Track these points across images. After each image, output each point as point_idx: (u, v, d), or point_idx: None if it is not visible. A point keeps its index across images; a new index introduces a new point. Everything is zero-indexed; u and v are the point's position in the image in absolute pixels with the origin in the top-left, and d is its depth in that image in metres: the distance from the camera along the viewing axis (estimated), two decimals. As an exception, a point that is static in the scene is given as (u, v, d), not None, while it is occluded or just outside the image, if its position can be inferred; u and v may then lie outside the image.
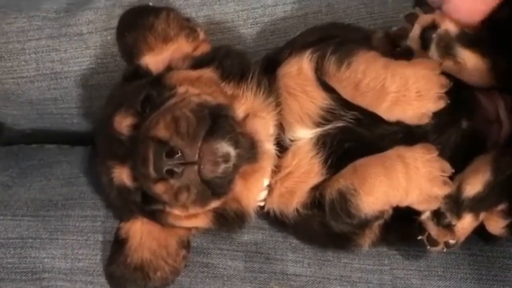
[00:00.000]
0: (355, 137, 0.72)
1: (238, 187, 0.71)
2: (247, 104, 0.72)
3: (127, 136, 0.71)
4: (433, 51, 0.71)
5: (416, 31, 0.72)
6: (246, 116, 0.72)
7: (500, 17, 0.70)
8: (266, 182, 0.75)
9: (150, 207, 0.72)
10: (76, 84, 0.90)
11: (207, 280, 0.81)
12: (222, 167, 0.66)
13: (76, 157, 0.92)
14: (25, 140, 0.98)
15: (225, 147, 0.66)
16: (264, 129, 0.72)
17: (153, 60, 0.78)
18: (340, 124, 0.72)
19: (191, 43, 0.79)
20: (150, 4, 0.84)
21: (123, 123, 0.71)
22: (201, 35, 0.81)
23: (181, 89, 0.70)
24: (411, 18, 0.73)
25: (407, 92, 0.68)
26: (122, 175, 0.71)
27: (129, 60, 0.81)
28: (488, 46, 0.70)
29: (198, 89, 0.71)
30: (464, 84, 0.74)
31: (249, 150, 0.69)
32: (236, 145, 0.67)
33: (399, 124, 0.70)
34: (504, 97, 0.76)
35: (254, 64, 0.76)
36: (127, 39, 0.79)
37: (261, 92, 0.73)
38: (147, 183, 0.67)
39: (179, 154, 0.64)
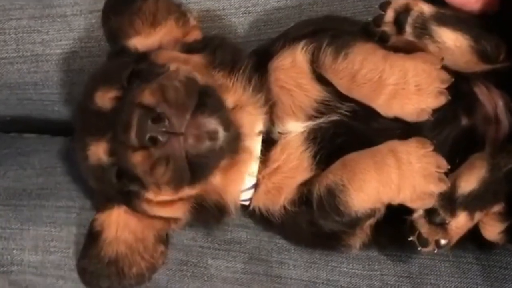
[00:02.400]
0: (349, 131, 0.71)
1: (218, 178, 0.69)
2: (236, 96, 0.70)
3: (109, 109, 0.68)
4: (409, 32, 0.70)
5: (389, 16, 0.71)
6: (234, 108, 0.70)
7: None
8: (252, 180, 0.72)
9: (124, 188, 0.69)
10: (57, 68, 0.89)
11: (185, 279, 0.78)
12: (207, 144, 0.64)
13: (55, 146, 0.90)
14: (4, 128, 0.96)
15: (213, 124, 0.64)
16: (249, 124, 0.70)
17: (141, 43, 0.76)
18: (334, 117, 0.71)
19: (181, 28, 0.78)
20: (139, -13, 0.82)
21: (106, 96, 0.68)
22: (192, 21, 0.79)
23: (172, 66, 0.68)
24: (385, 6, 0.72)
25: (406, 85, 0.67)
26: (99, 149, 0.68)
27: (115, 44, 0.78)
28: (469, 23, 0.71)
29: (189, 68, 0.69)
30: (462, 80, 0.72)
31: (233, 141, 0.67)
32: (225, 126, 0.65)
33: (396, 119, 0.69)
34: (503, 96, 0.75)
35: (246, 57, 0.75)
36: (112, 22, 0.77)
37: (251, 87, 0.71)
38: (124, 153, 0.64)
39: (166, 122, 0.61)
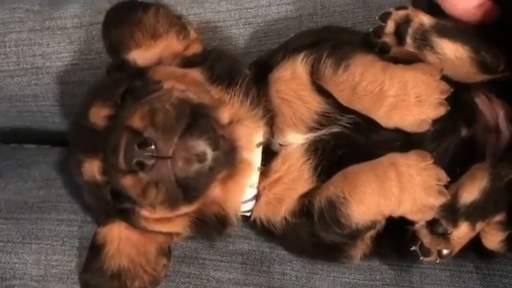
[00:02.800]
0: (350, 143, 0.70)
1: (218, 191, 0.69)
2: (233, 110, 0.70)
3: (102, 127, 0.68)
4: (409, 43, 0.71)
5: (390, 27, 0.72)
6: (231, 122, 0.69)
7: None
8: (253, 191, 0.72)
9: (120, 205, 0.69)
10: (58, 80, 0.88)
11: None
12: (196, 166, 0.63)
13: (55, 158, 0.90)
14: (4, 139, 0.96)
15: (202, 146, 0.63)
16: (247, 137, 0.70)
17: (141, 56, 0.76)
18: (335, 129, 0.71)
19: (181, 41, 0.77)
20: (139, -1, 0.82)
21: (99, 114, 0.68)
22: (192, 34, 0.79)
23: (167, 84, 0.68)
24: (386, 17, 0.72)
25: (406, 97, 0.67)
26: (93, 167, 0.68)
27: (115, 56, 0.78)
28: (469, 34, 0.71)
29: (184, 86, 0.68)
30: (463, 90, 0.73)
31: (228, 155, 0.67)
32: (214, 146, 0.64)
33: (397, 130, 0.69)
34: (504, 106, 0.75)
35: (245, 70, 0.74)
36: (113, 34, 0.77)
37: (249, 100, 0.71)
38: (115, 175, 0.64)
39: (152, 146, 0.61)
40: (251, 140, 0.70)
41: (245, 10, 0.86)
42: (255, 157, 0.71)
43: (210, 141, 0.64)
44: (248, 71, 0.75)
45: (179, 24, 0.78)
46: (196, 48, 0.78)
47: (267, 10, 0.86)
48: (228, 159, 0.67)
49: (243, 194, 0.72)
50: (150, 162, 0.61)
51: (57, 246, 0.79)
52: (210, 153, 0.64)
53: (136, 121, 0.63)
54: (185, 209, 0.68)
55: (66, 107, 0.90)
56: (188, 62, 0.74)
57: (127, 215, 0.70)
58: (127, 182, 0.64)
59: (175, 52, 0.76)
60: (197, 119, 0.64)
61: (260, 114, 0.71)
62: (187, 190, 0.65)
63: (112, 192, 0.68)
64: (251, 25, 0.87)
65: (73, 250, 0.79)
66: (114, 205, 0.69)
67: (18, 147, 0.94)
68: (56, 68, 0.88)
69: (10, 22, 0.87)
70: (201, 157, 0.63)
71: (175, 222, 0.71)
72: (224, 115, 0.69)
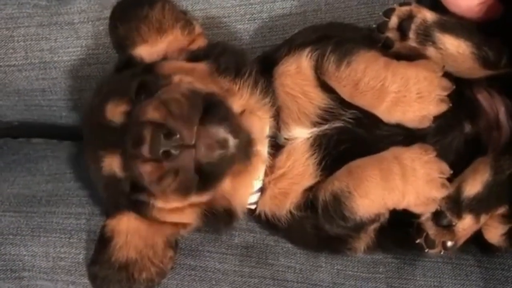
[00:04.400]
0: (353, 138, 0.71)
1: (227, 185, 0.69)
2: (243, 100, 0.71)
3: (120, 123, 0.68)
4: (412, 39, 0.71)
5: (393, 22, 0.72)
6: (242, 112, 0.70)
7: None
8: (258, 184, 0.73)
9: (135, 197, 0.70)
10: (65, 74, 0.89)
11: (194, 284, 0.79)
12: (218, 152, 0.64)
13: (63, 152, 0.90)
14: (12, 133, 0.96)
15: (222, 133, 0.65)
16: (259, 128, 0.71)
17: (147, 52, 0.76)
18: (338, 124, 0.71)
19: (187, 36, 0.78)
20: (145, -6, 0.82)
21: (116, 110, 0.69)
22: (197, 28, 0.79)
23: (176, 78, 0.69)
24: (389, 12, 0.73)
25: (408, 93, 0.67)
26: (112, 163, 0.69)
27: (122, 52, 0.79)
28: (471, 30, 0.71)
29: (191, 78, 0.69)
30: (465, 86, 0.73)
31: (245, 147, 0.68)
32: (235, 134, 0.65)
33: (399, 126, 0.69)
34: (505, 102, 0.76)
35: (251, 62, 0.75)
36: (120, 30, 0.77)
37: (258, 91, 0.72)
38: (135, 163, 0.65)
39: (177, 136, 0.62)
40: (263, 131, 0.71)
41: (250, 6, 0.87)
42: (264, 149, 0.72)
43: (230, 128, 0.65)
44: (253, 63, 0.75)
45: (184, 19, 0.78)
46: (201, 43, 0.78)
47: (272, 6, 0.87)
48: (246, 151, 0.68)
49: (251, 189, 0.72)
50: (177, 151, 0.62)
51: (65, 239, 0.79)
52: (232, 140, 0.65)
53: (155, 114, 0.64)
54: (195, 199, 0.68)
55: (74, 101, 0.91)
56: (193, 56, 0.75)
57: (140, 207, 0.71)
58: (146, 169, 0.64)
59: (181, 47, 0.77)
60: (211, 108, 0.65)
61: (269, 104, 0.72)
62: (205, 177, 0.65)
63: (132, 187, 0.69)
64: (256, 20, 0.87)
65: (81, 243, 0.79)
66: (130, 196, 0.70)
67: (26, 142, 0.95)
68: (64, 62, 0.88)
69: (18, 17, 0.88)
70: (223, 144, 0.64)
71: (186, 213, 0.71)
72: (236, 105, 0.69)
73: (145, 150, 0.63)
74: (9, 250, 0.79)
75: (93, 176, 0.73)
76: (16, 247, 0.79)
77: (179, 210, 0.71)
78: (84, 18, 0.87)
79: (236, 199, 0.72)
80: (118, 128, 0.68)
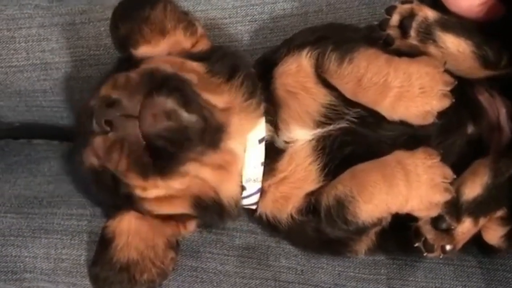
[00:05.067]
0: (357, 140, 0.71)
1: (208, 175, 0.69)
2: (228, 98, 0.71)
3: None
4: (413, 36, 0.71)
5: (395, 20, 0.72)
6: (224, 109, 0.70)
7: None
8: (256, 185, 0.73)
9: (119, 190, 0.69)
10: (66, 75, 0.89)
11: (195, 285, 0.78)
12: (165, 123, 0.63)
13: (64, 153, 0.90)
14: (13, 134, 0.96)
15: (170, 104, 0.64)
16: (238, 127, 0.70)
17: (150, 52, 0.76)
18: (342, 124, 0.71)
19: (189, 38, 0.78)
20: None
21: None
22: (200, 30, 0.79)
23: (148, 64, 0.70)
24: (391, 10, 0.73)
25: (411, 88, 0.67)
26: (89, 153, 0.69)
27: (123, 51, 0.78)
28: (472, 30, 0.71)
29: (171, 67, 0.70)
30: (467, 87, 0.73)
31: (212, 131, 0.67)
32: (189, 108, 0.64)
33: (403, 124, 0.69)
34: (506, 104, 0.76)
35: (247, 66, 0.75)
36: (121, 30, 0.77)
37: (249, 93, 0.72)
38: (91, 141, 0.66)
39: (120, 105, 0.63)
40: (242, 131, 0.71)
41: (251, 7, 0.87)
42: (259, 152, 0.71)
43: (183, 101, 0.64)
44: (253, 69, 0.75)
45: (186, 20, 0.78)
46: (204, 45, 0.78)
47: (273, 7, 0.87)
48: (212, 137, 0.67)
49: (237, 186, 0.72)
50: (119, 120, 0.63)
51: (67, 240, 0.79)
52: (185, 114, 0.64)
53: (105, 89, 0.65)
54: (161, 183, 0.67)
55: (75, 102, 0.90)
56: (194, 58, 0.74)
57: (131, 202, 0.71)
58: (96, 143, 0.65)
59: (183, 48, 0.77)
60: (167, 83, 0.65)
61: (259, 110, 0.72)
62: (158, 154, 0.65)
63: (112, 177, 0.69)
64: (257, 21, 0.87)
65: (82, 244, 0.79)
66: (116, 191, 0.70)
67: (27, 143, 0.95)
68: (65, 63, 0.88)
69: (20, 18, 0.88)
70: (170, 115, 0.63)
71: (175, 203, 0.71)
72: (218, 100, 0.69)
73: (94, 123, 0.64)
74: (10, 251, 0.78)
75: (86, 178, 0.74)
76: (17, 249, 0.78)
77: (166, 201, 0.70)
78: (85, 19, 0.87)
79: (222, 193, 0.71)
80: None
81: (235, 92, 0.71)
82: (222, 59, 0.74)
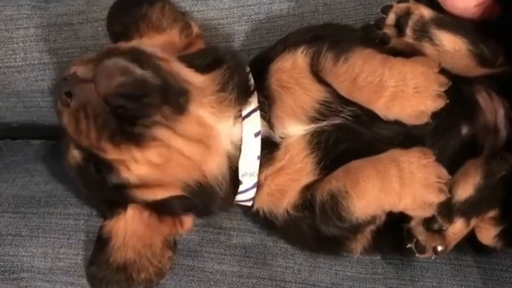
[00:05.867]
0: (352, 136, 0.71)
1: (181, 146, 0.68)
2: (205, 81, 0.70)
3: None
4: (409, 35, 0.72)
5: (391, 18, 0.73)
6: (198, 87, 0.69)
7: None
8: (252, 179, 0.73)
9: (110, 182, 0.69)
10: (64, 76, 0.88)
11: (192, 284, 0.78)
12: (118, 79, 0.63)
13: (62, 153, 0.86)
14: (11, 135, 0.96)
15: (122, 62, 0.64)
16: (209, 99, 0.70)
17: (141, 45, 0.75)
18: (337, 121, 0.71)
19: (184, 39, 0.78)
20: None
21: None
22: (196, 31, 0.79)
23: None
24: (387, 9, 0.74)
25: (406, 88, 0.67)
26: (71, 149, 0.70)
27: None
28: (468, 28, 0.72)
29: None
30: (465, 85, 0.73)
31: (177, 93, 0.67)
32: (142, 65, 0.64)
33: (397, 123, 0.69)
34: (504, 104, 0.76)
35: (230, 60, 0.74)
36: (117, 26, 0.78)
37: (225, 86, 0.71)
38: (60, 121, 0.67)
39: (76, 75, 0.64)
40: (212, 106, 0.70)
41: (247, 7, 0.87)
42: (255, 145, 0.71)
43: (133, 58, 0.64)
44: (249, 67, 0.76)
45: (183, 21, 0.78)
46: (199, 46, 0.79)
47: (269, 8, 0.87)
48: (174, 98, 0.66)
49: (221, 164, 0.71)
50: (76, 88, 0.63)
51: (64, 239, 0.79)
52: (138, 70, 0.64)
53: (62, 71, 0.66)
54: (139, 152, 0.67)
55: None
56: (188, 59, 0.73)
57: (122, 192, 0.70)
58: (64, 120, 0.66)
59: (176, 49, 0.76)
60: (123, 51, 0.65)
61: (234, 104, 0.71)
62: (122, 120, 0.64)
63: (96, 168, 0.69)
64: (253, 22, 0.87)
65: (80, 244, 0.79)
66: (105, 183, 0.69)
67: (25, 143, 0.95)
68: (63, 63, 0.87)
69: (18, 19, 0.88)
70: (123, 71, 0.63)
71: (165, 187, 0.71)
72: (192, 77, 0.69)
73: (58, 103, 0.65)
74: (7, 250, 0.78)
75: (75, 181, 0.74)
76: (14, 248, 0.78)
77: (156, 184, 0.70)
78: (83, 19, 0.87)
79: (207, 170, 0.70)
80: None
81: (213, 78, 0.71)
82: (207, 53, 0.74)
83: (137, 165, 0.68)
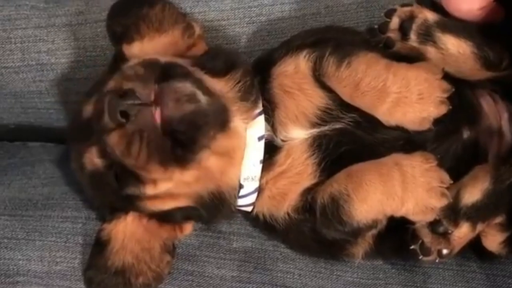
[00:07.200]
0: (354, 140, 0.71)
1: (212, 163, 0.68)
2: (226, 88, 0.70)
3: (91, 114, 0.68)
4: (413, 39, 0.71)
5: (394, 22, 0.72)
6: (224, 96, 0.69)
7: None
8: (254, 184, 0.72)
9: (125, 192, 0.68)
10: (63, 77, 0.89)
11: None
12: (188, 106, 0.63)
13: (59, 156, 0.90)
14: (8, 136, 0.96)
15: (189, 87, 0.64)
16: (239, 109, 0.70)
17: (142, 48, 0.75)
18: (338, 126, 0.71)
19: (186, 40, 0.77)
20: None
21: (90, 106, 0.69)
22: (198, 31, 0.79)
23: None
24: (391, 13, 0.73)
25: (409, 94, 0.67)
26: (91, 154, 0.68)
27: (117, 46, 0.78)
28: (472, 31, 0.71)
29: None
30: (468, 89, 0.73)
31: (219, 112, 0.66)
32: (203, 90, 0.64)
33: (399, 128, 0.69)
34: (509, 109, 0.75)
35: (243, 63, 0.74)
36: (117, 26, 0.77)
37: (246, 88, 0.71)
38: (103, 138, 0.64)
39: (134, 94, 0.62)
40: (243, 114, 0.70)
41: (249, 9, 0.87)
42: (259, 149, 0.71)
43: (197, 84, 0.64)
44: (251, 68, 0.75)
45: (185, 22, 0.78)
46: (200, 48, 0.78)
47: (271, 9, 0.87)
48: (221, 116, 0.67)
49: (238, 171, 0.71)
50: (134, 110, 0.61)
51: (61, 243, 0.78)
52: (202, 96, 0.64)
53: (112, 83, 0.64)
54: (180, 175, 0.66)
55: (71, 104, 0.90)
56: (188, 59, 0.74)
57: (133, 202, 0.70)
58: (113, 139, 0.63)
59: (178, 50, 0.76)
60: (170, 69, 0.65)
61: (256, 106, 0.71)
62: (178, 140, 0.64)
63: (117, 177, 0.68)
64: (254, 23, 0.87)
65: (77, 247, 0.78)
66: (120, 192, 0.69)
67: (22, 145, 0.94)
68: (61, 65, 0.88)
69: (16, 19, 0.88)
70: (191, 97, 0.63)
71: (179, 198, 0.70)
72: (216, 86, 0.68)
73: (106, 118, 0.62)
74: (3, 254, 0.78)
75: (82, 182, 0.73)
76: (11, 251, 0.78)
77: (172, 196, 0.69)
78: (82, 20, 0.87)
79: (224, 181, 0.70)
80: (91, 119, 0.68)
81: (232, 84, 0.71)
82: (218, 56, 0.74)
83: (166, 183, 0.68)
